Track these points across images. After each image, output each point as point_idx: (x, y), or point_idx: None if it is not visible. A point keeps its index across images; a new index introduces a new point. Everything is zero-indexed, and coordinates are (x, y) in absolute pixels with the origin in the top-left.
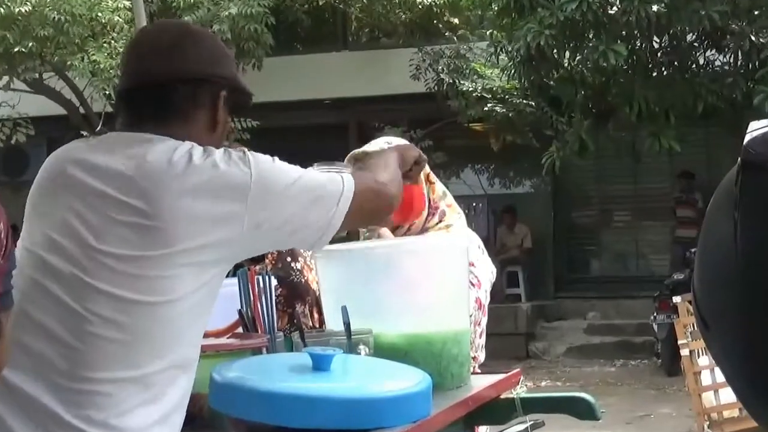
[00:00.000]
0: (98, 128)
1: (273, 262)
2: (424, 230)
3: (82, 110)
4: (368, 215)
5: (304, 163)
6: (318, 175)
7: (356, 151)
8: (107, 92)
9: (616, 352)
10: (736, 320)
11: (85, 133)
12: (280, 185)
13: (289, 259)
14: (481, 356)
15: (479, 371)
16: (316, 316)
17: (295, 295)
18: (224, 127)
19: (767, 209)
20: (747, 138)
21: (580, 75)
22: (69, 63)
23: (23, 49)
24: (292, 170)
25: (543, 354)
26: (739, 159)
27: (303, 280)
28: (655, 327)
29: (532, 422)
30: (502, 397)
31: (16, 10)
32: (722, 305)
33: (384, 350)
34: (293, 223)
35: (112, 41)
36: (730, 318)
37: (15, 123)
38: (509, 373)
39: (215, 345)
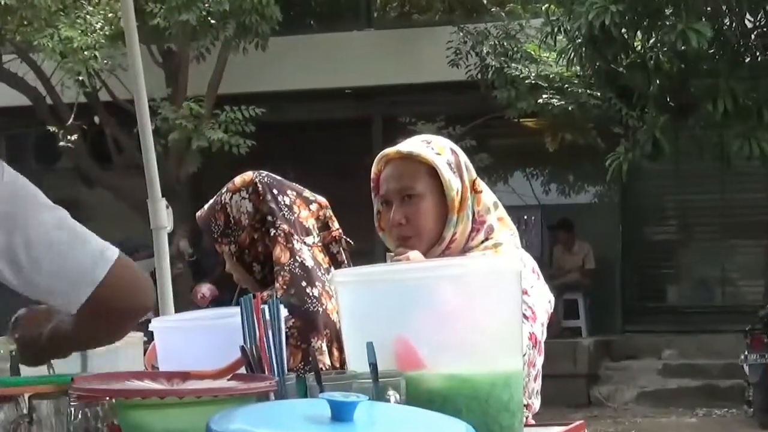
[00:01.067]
0: (69, 122)
1: (284, 287)
2: (466, 249)
3: (49, 100)
4: (121, 299)
5: (321, 165)
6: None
7: (388, 150)
8: (81, 78)
9: (698, 399)
10: None
11: (53, 129)
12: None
13: (304, 283)
14: (536, 404)
15: (533, 422)
16: (336, 353)
17: (311, 327)
18: None
19: None
20: None
21: (654, 60)
22: (35, 42)
23: None
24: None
25: (608, 400)
26: None
27: (321, 310)
28: (746, 368)
29: None
30: None
31: None
32: None
33: (418, 396)
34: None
35: (87, 15)
36: None
37: None
38: (570, 426)
39: (213, 389)
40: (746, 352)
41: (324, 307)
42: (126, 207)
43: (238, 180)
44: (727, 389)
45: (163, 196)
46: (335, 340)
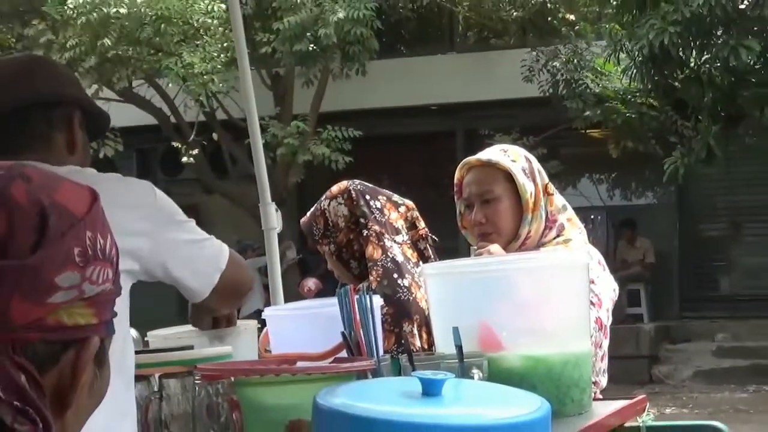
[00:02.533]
0: (190, 139)
1: (378, 279)
2: (540, 245)
3: (173, 119)
4: (236, 284)
5: (410, 174)
6: None
7: (470, 158)
8: (201, 99)
9: (749, 377)
10: None
11: (177, 145)
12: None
13: (395, 275)
14: (603, 381)
15: (600, 397)
16: (424, 336)
17: (403, 314)
18: (84, 148)
19: None
20: None
21: (707, 75)
22: (163, 66)
23: (119, 52)
24: None
25: (667, 378)
26: None
27: (411, 298)
28: None
29: None
30: (626, 425)
31: (112, 11)
32: None
33: (499, 375)
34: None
35: (206, 45)
36: None
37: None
38: (634, 400)
39: (321, 368)
40: None
41: (413, 295)
42: (240, 212)
43: (335, 188)
44: None
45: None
46: (424, 324)
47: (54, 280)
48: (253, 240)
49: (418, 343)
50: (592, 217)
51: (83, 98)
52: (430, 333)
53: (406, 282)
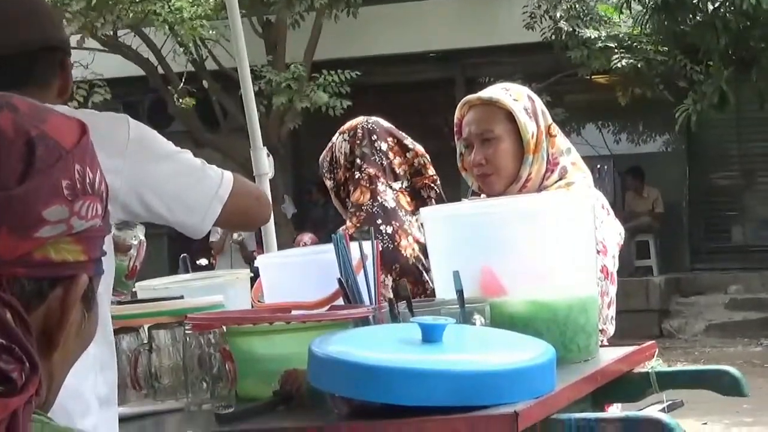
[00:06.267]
0: (179, 87)
1: (357, 225)
2: (542, 188)
3: (160, 70)
4: (244, 214)
5: (409, 123)
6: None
7: (470, 96)
8: (190, 48)
9: (763, 330)
10: None
11: (168, 95)
12: None
13: (379, 221)
14: (610, 329)
15: (608, 344)
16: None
17: (381, 263)
18: (70, 91)
19: None
20: None
21: (722, 20)
22: (150, 9)
23: None
24: None
25: (678, 332)
26: None
27: (391, 247)
28: None
29: (670, 402)
30: (634, 371)
31: None
32: None
33: (502, 320)
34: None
35: None
36: None
37: (91, 84)
38: (642, 345)
39: (316, 315)
40: None
41: (396, 243)
42: (233, 166)
43: (347, 123)
44: None
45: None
46: (407, 275)
47: (41, 213)
48: None
49: (390, 296)
50: (598, 166)
51: (67, 40)
52: (415, 283)
53: (390, 229)
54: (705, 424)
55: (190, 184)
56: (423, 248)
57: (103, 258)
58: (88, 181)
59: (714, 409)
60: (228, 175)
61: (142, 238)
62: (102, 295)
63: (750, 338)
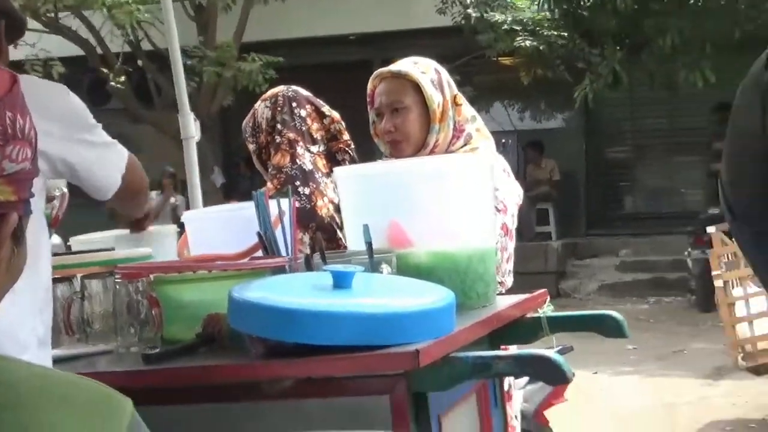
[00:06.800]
0: (116, 66)
1: (278, 186)
2: (448, 153)
3: (99, 50)
4: (137, 184)
5: (330, 102)
6: None
7: (381, 69)
8: (127, 29)
9: (650, 290)
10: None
11: (104, 73)
12: None
13: (298, 183)
14: (509, 281)
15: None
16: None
17: (298, 221)
18: (6, 55)
19: None
20: None
21: (612, 3)
22: None
23: None
24: None
25: (574, 292)
26: None
27: (308, 206)
28: (690, 263)
29: (560, 347)
30: (528, 316)
31: None
32: (749, 191)
33: (407, 270)
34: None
35: None
36: (760, 204)
37: (45, 62)
38: (535, 293)
39: (236, 264)
40: (689, 249)
41: (313, 203)
42: (167, 140)
43: (269, 92)
44: (673, 281)
45: None
46: (324, 232)
47: None
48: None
49: (307, 251)
50: (503, 141)
51: (5, 2)
52: (330, 240)
53: (307, 190)
54: (595, 373)
55: (104, 156)
56: (337, 208)
57: (32, 200)
58: (18, 126)
59: (603, 361)
60: (125, 151)
61: (65, 190)
62: (40, 242)
63: (638, 297)
